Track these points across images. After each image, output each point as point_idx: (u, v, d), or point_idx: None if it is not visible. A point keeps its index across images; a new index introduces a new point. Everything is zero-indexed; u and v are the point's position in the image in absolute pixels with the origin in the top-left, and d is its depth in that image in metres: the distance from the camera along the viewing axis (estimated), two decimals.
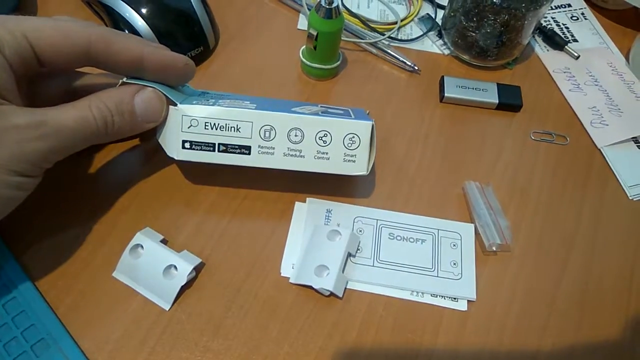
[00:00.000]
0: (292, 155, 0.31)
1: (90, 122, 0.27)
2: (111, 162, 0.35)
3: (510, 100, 0.42)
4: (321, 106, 0.35)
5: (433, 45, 0.46)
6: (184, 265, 0.30)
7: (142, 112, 0.29)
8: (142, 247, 0.31)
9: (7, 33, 0.25)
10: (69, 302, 0.30)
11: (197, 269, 0.32)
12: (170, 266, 0.30)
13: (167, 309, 0.30)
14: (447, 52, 0.45)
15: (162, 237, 0.32)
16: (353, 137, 0.31)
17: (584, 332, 0.32)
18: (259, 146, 0.31)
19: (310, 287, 0.32)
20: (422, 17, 0.47)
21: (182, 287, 0.30)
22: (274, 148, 0.31)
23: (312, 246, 0.33)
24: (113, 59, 0.28)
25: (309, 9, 0.43)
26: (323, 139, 0.31)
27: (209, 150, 0.31)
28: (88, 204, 0.33)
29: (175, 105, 0.30)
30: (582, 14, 0.51)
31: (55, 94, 0.31)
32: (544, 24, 0.49)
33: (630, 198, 0.39)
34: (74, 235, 0.32)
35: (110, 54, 0.28)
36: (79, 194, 0.33)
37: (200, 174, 0.35)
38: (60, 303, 0.30)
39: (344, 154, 0.32)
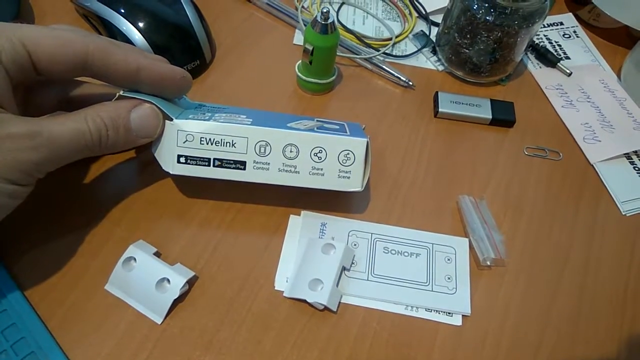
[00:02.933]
0: (287, 170, 0.31)
1: (85, 134, 0.27)
2: (105, 174, 0.35)
3: (503, 116, 0.42)
4: (317, 120, 0.36)
5: (427, 62, 0.46)
6: (177, 279, 0.30)
7: (137, 127, 0.29)
8: (135, 259, 0.31)
9: (4, 40, 0.25)
10: (60, 315, 0.30)
11: (190, 282, 0.31)
12: (163, 279, 0.30)
13: (160, 323, 0.30)
14: (441, 68, 0.46)
15: (155, 249, 0.32)
16: (348, 153, 0.32)
17: (578, 348, 0.32)
18: (254, 161, 0.31)
19: (304, 301, 0.31)
20: (417, 33, 0.48)
21: (175, 300, 0.30)
22: (269, 163, 0.31)
23: (307, 260, 0.33)
24: (110, 70, 0.28)
25: (304, 25, 0.43)
26: (318, 155, 0.31)
27: (204, 165, 0.31)
28: (81, 215, 0.33)
29: (171, 120, 0.30)
30: (574, 32, 0.52)
31: (50, 102, 0.31)
32: (537, 41, 0.50)
33: (623, 213, 0.39)
34: (67, 247, 0.32)
35: (107, 65, 0.28)
36: (72, 205, 0.33)
37: (195, 187, 0.35)
38: (52, 316, 0.30)
39: (339, 170, 0.32)
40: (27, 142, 0.25)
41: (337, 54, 0.41)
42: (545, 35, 0.51)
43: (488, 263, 0.34)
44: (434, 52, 0.47)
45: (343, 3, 0.49)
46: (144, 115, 0.29)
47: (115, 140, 0.28)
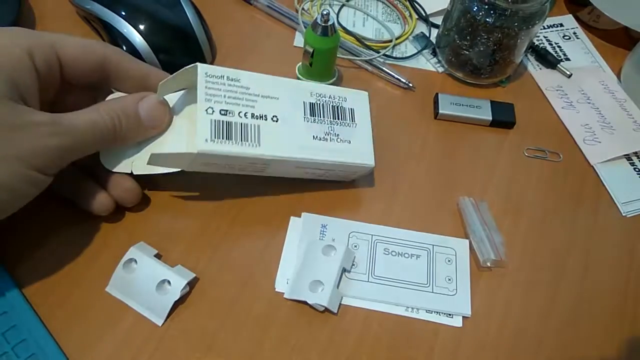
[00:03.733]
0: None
1: (100, 124, 0.29)
2: None
3: (503, 118, 0.42)
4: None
5: (427, 63, 0.47)
6: (178, 280, 0.30)
7: (145, 117, 0.31)
8: (135, 261, 0.31)
9: (38, 43, 0.28)
10: (61, 317, 0.30)
11: (191, 284, 0.31)
12: (163, 281, 0.30)
13: (160, 325, 0.30)
14: (441, 69, 0.46)
15: (156, 251, 0.32)
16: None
17: (579, 349, 0.32)
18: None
19: (305, 303, 0.31)
20: (417, 35, 0.48)
21: (176, 302, 0.30)
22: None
23: (307, 261, 0.33)
24: (123, 74, 0.31)
25: (305, 27, 0.44)
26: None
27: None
28: (82, 217, 0.33)
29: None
30: (574, 33, 0.52)
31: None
32: (537, 42, 0.50)
33: (624, 215, 0.39)
34: (67, 249, 0.32)
35: (121, 69, 0.31)
36: (73, 207, 0.33)
37: (195, 188, 0.35)
38: (53, 318, 0.30)
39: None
40: (50, 129, 0.26)
41: (338, 55, 0.41)
42: (545, 37, 0.51)
43: (488, 264, 0.34)
44: (434, 53, 0.47)
45: (343, 5, 0.49)
46: (150, 105, 0.31)
47: (127, 129, 0.30)
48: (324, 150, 0.33)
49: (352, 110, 0.35)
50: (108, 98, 0.33)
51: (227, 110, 0.30)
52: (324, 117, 0.33)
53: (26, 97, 0.27)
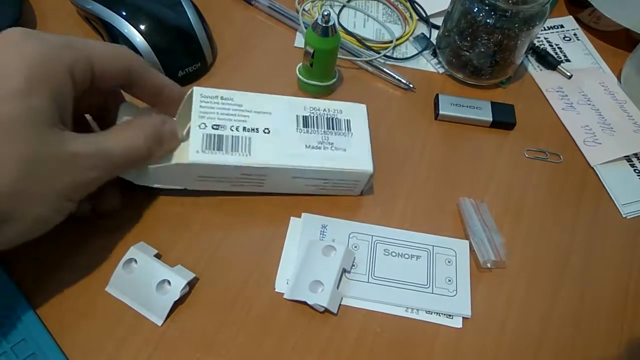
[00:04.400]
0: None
1: (141, 150, 0.29)
2: None
3: (504, 119, 0.42)
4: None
5: (428, 64, 0.47)
6: (178, 280, 0.30)
7: (167, 140, 0.31)
8: (135, 261, 0.31)
9: (78, 58, 0.27)
10: (61, 316, 0.30)
11: (191, 284, 0.31)
12: (163, 281, 0.30)
13: (160, 325, 0.30)
14: (441, 70, 0.46)
15: (156, 251, 0.32)
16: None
17: (579, 350, 0.32)
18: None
19: (305, 303, 0.31)
20: (417, 36, 0.48)
21: (176, 302, 0.30)
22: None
23: (307, 262, 0.33)
24: (142, 83, 0.30)
25: (305, 27, 0.44)
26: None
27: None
28: (82, 217, 0.33)
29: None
30: (575, 34, 0.52)
31: (86, 109, 0.33)
32: (537, 44, 0.50)
33: (624, 216, 0.39)
34: (67, 249, 0.32)
35: (143, 78, 0.30)
36: None
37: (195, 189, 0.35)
38: (52, 317, 0.30)
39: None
40: (93, 162, 0.26)
41: (338, 56, 0.41)
42: (545, 38, 0.51)
43: (488, 265, 0.34)
44: (435, 54, 0.47)
45: (344, 6, 0.49)
46: (172, 128, 0.31)
47: (156, 152, 0.30)
48: (316, 157, 0.33)
49: (348, 121, 0.35)
50: (122, 107, 0.32)
51: (219, 125, 0.32)
52: (317, 127, 0.34)
53: (64, 117, 0.26)
